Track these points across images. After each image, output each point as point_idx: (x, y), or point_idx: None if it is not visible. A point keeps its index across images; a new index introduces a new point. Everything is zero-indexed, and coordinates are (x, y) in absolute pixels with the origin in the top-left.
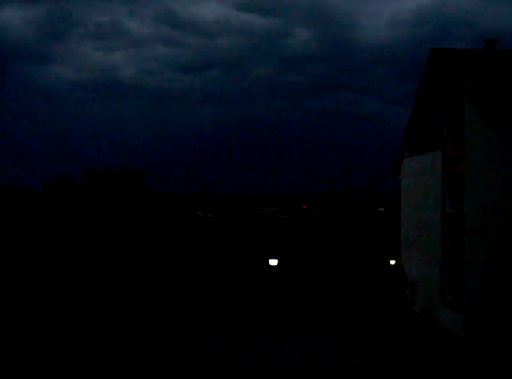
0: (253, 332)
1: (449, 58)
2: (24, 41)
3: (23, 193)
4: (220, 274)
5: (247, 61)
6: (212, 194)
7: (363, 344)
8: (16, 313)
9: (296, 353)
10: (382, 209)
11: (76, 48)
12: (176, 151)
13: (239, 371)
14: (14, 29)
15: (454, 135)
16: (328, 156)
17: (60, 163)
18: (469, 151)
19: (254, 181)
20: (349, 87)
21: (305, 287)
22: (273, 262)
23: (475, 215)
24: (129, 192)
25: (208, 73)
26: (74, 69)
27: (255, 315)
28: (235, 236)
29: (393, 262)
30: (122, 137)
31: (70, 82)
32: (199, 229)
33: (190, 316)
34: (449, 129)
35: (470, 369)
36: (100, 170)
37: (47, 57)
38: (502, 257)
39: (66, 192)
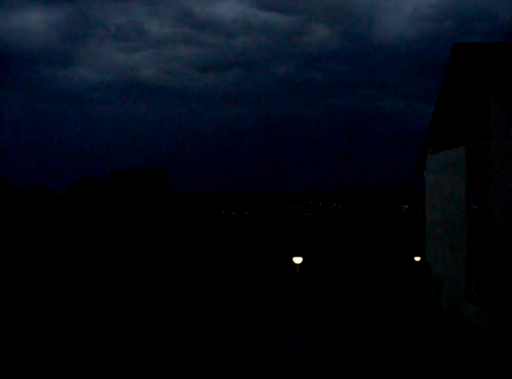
0: (277, 330)
1: (473, 53)
2: (47, 44)
3: (48, 194)
4: (244, 272)
5: (267, 59)
6: (235, 193)
7: (387, 341)
8: (40, 310)
9: (320, 350)
10: (407, 206)
11: (98, 50)
12: (199, 151)
13: (266, 369)
14: (37, 33)
15: (479, 130)
16: (351, 153)
17: (84, 163)
18: (494, 145)
19: (276, 180)
20: (370, 83)
21: (330, 284)
22: (298, 260)
23: (500, 211)
24: (154, 191)
25: (229, 72)
26: (96, 71)
27: (279, 313)
28: (258, 234)
29: (417, 259)
30: (145, 137)
31: (93, 83)
32: (223, 227)
33: (216, 314)
34: (474, 123)
35: (496, 365)
36: (124, 170)
37: (69, 59)
38: None
39: (90, 192)
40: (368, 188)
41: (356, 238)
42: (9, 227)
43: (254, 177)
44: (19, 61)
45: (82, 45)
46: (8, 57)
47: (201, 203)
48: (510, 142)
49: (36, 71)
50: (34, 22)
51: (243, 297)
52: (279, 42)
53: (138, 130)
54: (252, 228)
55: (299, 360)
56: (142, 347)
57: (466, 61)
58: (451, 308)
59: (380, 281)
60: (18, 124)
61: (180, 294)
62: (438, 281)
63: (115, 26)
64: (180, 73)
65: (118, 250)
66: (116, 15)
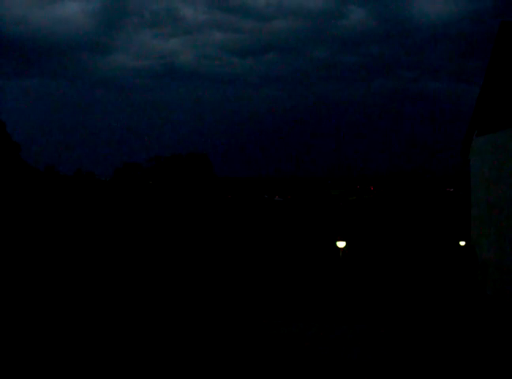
0: (321, 315)
1: None
2: (86, 33)
3: (93, 179)
4: (288, 256)
5: (304, 43)
6: (277, 177)
7: (430, 325)
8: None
9: (366, 334)
10: (451, 189)
11: (135, 37)
12: (239, 135)
13: (308, 354)
14: (76, 22)
15: None
16: (392, 136)
17: (127, 148)
18: None
19: (318, 163)
20: (409, 65)
21: (373, 269)
22: (341, 244)
23: None
24: (196, 176)
25: (265, 57)
26: (135, 58)
27: (324, 297)
28: (302, 218)
29: (463, 243)
30: (185, 122)
31: (132, 70)
32: (266, 211)
33: (258, 298)
34: None
35: None
36: (167, 155)
37: (108, 47)
38: None
39: (134, 177)
40: (411, 170)
41: (400, 222)
42: (58, 213)
43: (293, 160)
44: (60, 51)
45: (120, 33)
46: (49, 47)
47: (243, 187)
48: None
49: (77, 59)
50: (73, 12)
51: (287, 281)
52: (315, 25)
53: (178, 115)
54: (296, 212)
55: (341, 345)
56: (192, 325)
57: None
58: (498, 293)
59: (424, 266)
60: (61, 111)
61: (225, 276)
62: (483, 266)
63: (151, 13)
64: (217, 58)
65: (162, 235)
66: (151, 2)
